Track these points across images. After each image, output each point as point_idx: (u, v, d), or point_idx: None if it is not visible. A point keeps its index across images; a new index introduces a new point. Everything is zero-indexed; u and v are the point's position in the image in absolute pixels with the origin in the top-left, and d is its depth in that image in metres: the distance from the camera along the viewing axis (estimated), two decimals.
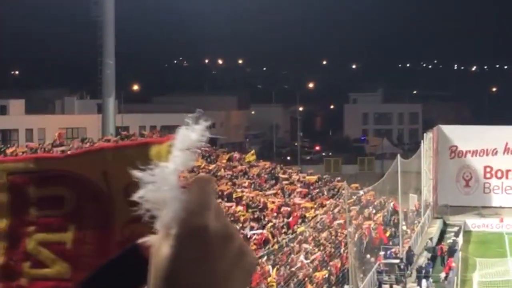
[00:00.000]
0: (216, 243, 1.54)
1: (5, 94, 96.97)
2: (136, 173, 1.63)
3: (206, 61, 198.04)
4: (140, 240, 1.68)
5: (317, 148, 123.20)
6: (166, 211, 1.58)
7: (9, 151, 46.06)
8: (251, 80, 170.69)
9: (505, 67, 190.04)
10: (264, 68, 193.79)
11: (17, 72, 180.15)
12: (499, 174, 72.00)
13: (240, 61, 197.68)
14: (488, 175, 72.16)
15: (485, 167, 71.91)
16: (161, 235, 1.57)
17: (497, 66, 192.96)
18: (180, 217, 1.55)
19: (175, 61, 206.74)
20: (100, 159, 2.23)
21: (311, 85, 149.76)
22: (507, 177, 71.97)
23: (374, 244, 49.29)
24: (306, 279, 39.06)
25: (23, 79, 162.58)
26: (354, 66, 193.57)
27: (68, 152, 2.34)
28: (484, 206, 69.29)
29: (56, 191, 2.25)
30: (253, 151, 66.96)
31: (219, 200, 47.35)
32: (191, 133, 1.71)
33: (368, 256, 46.75)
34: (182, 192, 1.56)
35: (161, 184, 1.61)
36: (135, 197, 1.62)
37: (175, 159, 1.66)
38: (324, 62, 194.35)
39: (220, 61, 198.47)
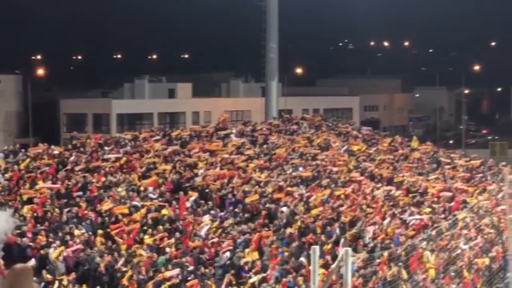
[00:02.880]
0: None
1: (173, 77, 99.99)
2: None
3: (372, 43, 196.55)
4: None
5: (484, 131, 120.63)
6: None
7: (174, 134, 47.33)
8: (416, 62, 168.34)
9: None
10: (431, 50, 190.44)
11: (186, 56, 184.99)
12: None
13: (406, 43, 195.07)
14: None
15: None
16: None
17: None
18: None
19: (340, 44, 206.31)
20: None
21: (477, 67, 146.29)
22: None
23: None
24: (465, 265, 38.58)
25: (191, 62, 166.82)
26: None
27: None
28: None
29: None
30: (415, 138, 66.00)
31: (379, 184, 47.30)
32: None
33: None
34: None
35: None
36: None
37: None
38: (492, 43, 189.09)
39: (386, 43, 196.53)
